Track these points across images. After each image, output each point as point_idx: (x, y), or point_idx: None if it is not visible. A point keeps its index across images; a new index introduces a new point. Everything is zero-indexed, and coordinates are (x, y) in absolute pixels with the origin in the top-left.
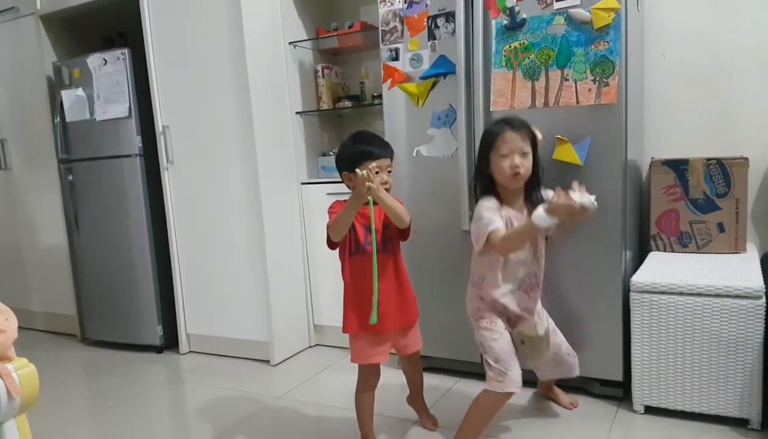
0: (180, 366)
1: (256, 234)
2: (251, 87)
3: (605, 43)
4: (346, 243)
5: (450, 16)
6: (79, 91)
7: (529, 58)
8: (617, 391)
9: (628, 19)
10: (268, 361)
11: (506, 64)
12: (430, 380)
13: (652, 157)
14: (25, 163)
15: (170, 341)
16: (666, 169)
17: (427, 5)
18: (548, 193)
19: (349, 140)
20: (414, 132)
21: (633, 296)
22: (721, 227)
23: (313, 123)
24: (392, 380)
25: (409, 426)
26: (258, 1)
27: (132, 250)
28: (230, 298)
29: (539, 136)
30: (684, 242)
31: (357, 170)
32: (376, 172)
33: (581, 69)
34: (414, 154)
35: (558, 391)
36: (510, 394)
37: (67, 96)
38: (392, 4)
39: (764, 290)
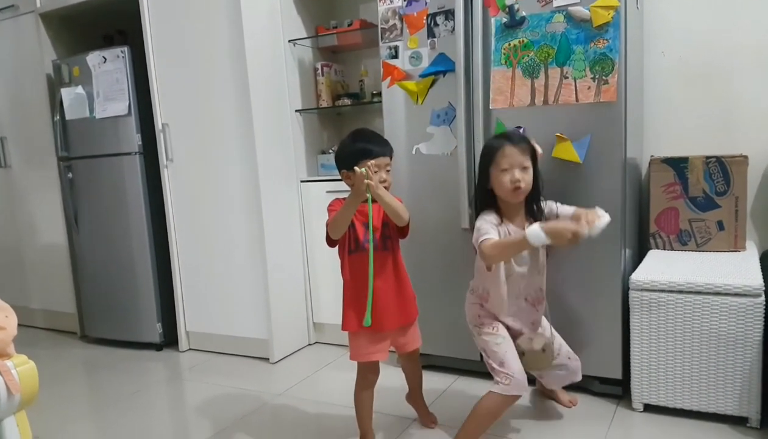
0: (179, 364)
1: (255, 232)
2: (251, 85)
3: (605, 41)
4: (345, 241)
5: (449, 14)
6: (79, 89)
7: (528, 56)
8: (616, 389)
9: (627, 17)
10: (268, 358)
11: (506, 62)
12: (429, 377)
13: (652, 155)
14: (24, 161)
15: (170, 339)
16: (665, 167)
17: (426, 3)
18: (551, 205)
19: (349, 138)
20: (413, 130)
21: (632, 294)
22: (720, 225)
23: (313, 121)
24: (391, 377)
25: (408, 424)
26: None
27: (131, 247)
28: (230, 295)
29: (539, 150)
30: (683, 240)
31: (356, 168)
32: (375, 171)
33: (581, 67)
34: (413, 152)
35: (557, 389)
36: (516, 397)
37: (67, 94)
38: (392, 2)
39: (763, 288)
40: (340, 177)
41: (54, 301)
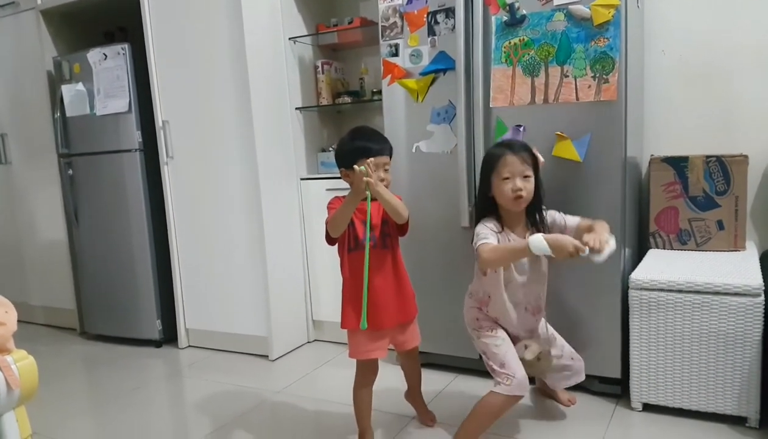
0: (179, 361)
1: (255, 229)
2: (251, 82)
3: (605, 40)
4: (345, 239)
5: (450, 12)
6: (80, 86)
7: (528, 54)
8: (615, 388)
9: (628, 16)
10: (267, 356)
11: (506, 60)
12: (428, 375)
13: (652, 155)
14: (25, 157)
15: (169, 336)
16: (665, 167)
17: (427, 1)
18: (553, 215)
19: (348, 136)
20: (413, 128)
21: (632, 293)
22: (720, 225)
23: (313, 119)
24: (390, 375)
25: (407, 422)
26: None
27: (131, 244)
28: (229, 292)
29: (541, 159)
30: (683, 240)
31: (355, 167)
32: (374, 170)
33: (581, 65)
34: (413, 150)
35: None
36: (518, 397)
37: (68, 91)
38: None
39: (763, 288)
40: (339, 175)
41: (54, 297)
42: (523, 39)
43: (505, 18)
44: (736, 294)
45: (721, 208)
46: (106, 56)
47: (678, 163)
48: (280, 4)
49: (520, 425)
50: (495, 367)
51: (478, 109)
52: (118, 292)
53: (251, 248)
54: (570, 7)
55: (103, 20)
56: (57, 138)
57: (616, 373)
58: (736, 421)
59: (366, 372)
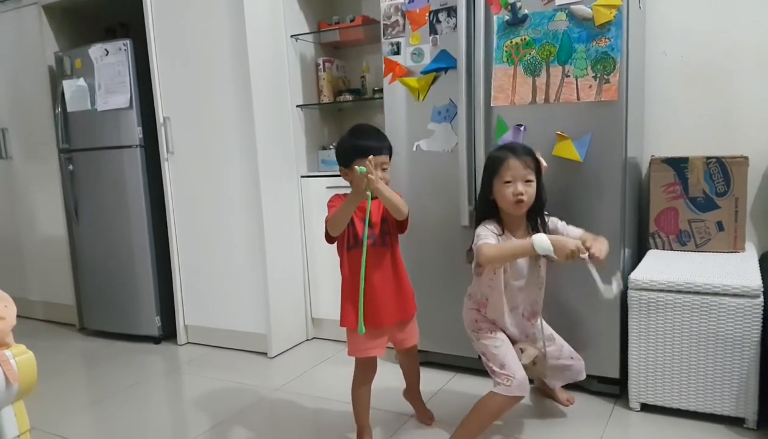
0: (178, 357)
1: (255, 227)
2: (252, 79)
3: (606, 40)
4: (344, 237)
5: (452, 11)
6: (81, 82)
7: (530, 54)
8: (614, 388)
9: (629, 17)
10: (266, 353)
11: (507, 59)
12: (427, 374)
13: (652, 155)
14: (25, 152)
15: (168, 332)
16: (666, 167)
17: (428, 0)
18: (555, 222)
19: (347, 134)
20: (414, 126)
21: (631, 293)
22: (720, 226)
23: (314, 116)
24: (389, 373)
25: (405, 420)
26: None
27: (131, 240)
28: (228, 290)
29: (543, 163)
30: (683, 241)
31: (356, 167)
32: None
33: (582, 65)
34: (414, 149)
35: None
36: (518, 398)
37: (69, 86)
38: None
39: (762, 289)
40: (339, 173)
41: (53, 293)
42: (525, 38)
43: (506, 17)
44: (735, 295)
45: (720, 210)
46: (107, 52)
47: (678, 164)
48: (282, 1)
49: (518, 425)
50: (495, 368)
51: (479, 108)
52: (118, 288)
53: (251, 245)
54: (571, 7)
55: (105, 16)
56: (57, 133)
57: (615, 373)
58: (733, 422)
59: (365, 370)
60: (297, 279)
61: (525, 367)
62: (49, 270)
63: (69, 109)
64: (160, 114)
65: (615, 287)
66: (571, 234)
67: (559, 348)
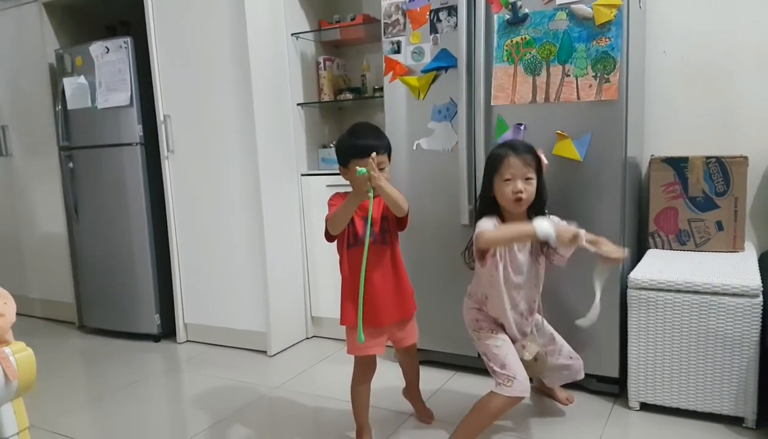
0: (177, 355)
1: (255, 225)
2: (253, 78)
3: (607, 40)
4: (344, 235)
5: (452, 10)
6: (81, 79)
7: (530, 53)
8: (613, 387)
9: (629, 16)
10: (266, 351)
11: (507, 58)
12: (426, 373)
13: (652, 155)
14: (25, 150)
15: (168, 330)
16: (665, 167)
17: None
18: (554, 220)
19: (345, 134)
20: (414, 125)
21: (630, 292)
22: (719, 226)
23: (314, 115)
24: (389, 372)
25: (405, 419)
26: None
27: (131, 238)
28: (228, 288)
29: (545, 161)
30: (682, 240)
31: (357, 167)
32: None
33: (582, 65)
34: (414, 148)
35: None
36: (519, 398)
37: (69, 84)
38: None
39: (761, 289)
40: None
41: (52, 291)
42: (525, 38)
43: (507, 16)
44: (734, 295)
45: (720, 209)
46: (108, 50)
47: (678, 164)
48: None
49: (518, 424)
50: (496, 368)
51: (479, 107)
52: (117, 286)
53: (251, 244)
54: (572, 6)
55: (106, 14)
56: (58, 131)
57: (614, 372)
58: (733, 421)
59: (364, 369)
60: (297, 277)
61: (527, 364)
62: (49, 268)
63: (69, 106)
64: (161, 112)
65: (593, 315)
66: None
67: (558, 348)
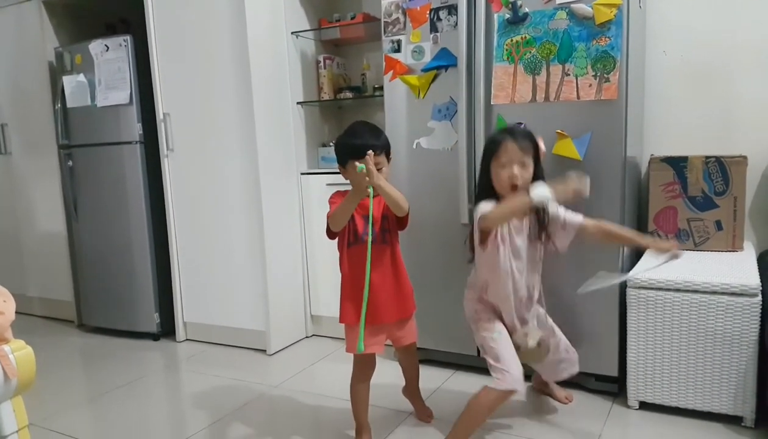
0: (176, 354)
1: (254, 224)
2: (252, 76)
3: (607, 39)
4: (344, 234)
5: (452, 9)
6: (81, 77)
7: (530, 52)
8: (612, 386)
9: (629, 16)
10: (265, 350)
11: (507, 58)
12: (426, 372)
13: (652, 154)
14: (25, 148)
15: (167, 329)
16: (665, 167)
17: None
18: (553, 206)
19: (343, 133)
20: (414, 124)
21: (630, 291)
22: (718, 225)
23: (314, 113)
24: (388, 370)
25: (404, 417)
26: None
27: (130, 237)
28: (228, 287)
29: (542, 148)
30: (682, 239)
31: (356, 164)
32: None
33: (582, 64)
34: (414, 147)
35: (553, 385)
36: (511, 392)
37: (69, 82)
38: None
39: (760, 288)
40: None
41: (52, 289)
42: (525, 37)
43: (507, 16)
44: (733, 294)
45: (719, 209)
46: (107, 48)
47: (677, 164)
48: None
49: (516, 423)
50: (491, 361)
51: (479, 106)
52: (117, 284)
53: (250, 242)
54: (572, 5)
55: (105, 12)
56: (57, 129)
57: (614, 371)
58: (731, 420)
59: (363, 367)
60: (296, 276)
61: (530, 351)
62: (48, 266)
63: (69, 104)
64: (160, 110)
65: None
66: (569, 220)
67: (557, 342)
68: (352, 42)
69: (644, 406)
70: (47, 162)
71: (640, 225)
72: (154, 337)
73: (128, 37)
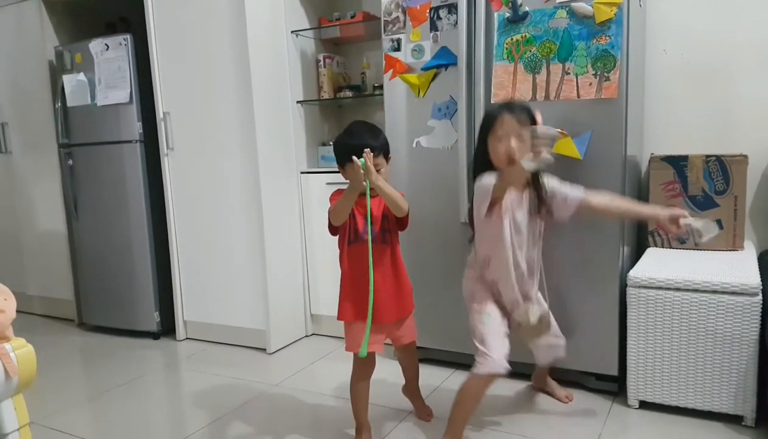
0: (176, 353)
1: (254, 223)
2: (252, 75)
3: (607, 38)
4: (345, 231)
5: (452, 8)
6: (81, 76)
7: (530, 51)
8: (612, 386)
9: (630, 15)
10: (265, 349)
11: (507, 56)
12: (426, 371)
13: (652, 153)
14: (25, 147)
15: (167, 328)
16: (665, 166)
17: None
18: (553, 183)
19: (342, 134)
20: (414, 123)
21: (630, 291)
22: (719, 224)
23: (314, 112)
24: (388, 369)
25: (404, 416)
26: None
27: (130, 235)
28: (228, 285)
29: (539, 119)
30: (682, 239)
31: (354, 158)
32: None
33: (582, 63)
34: (414, 146)
35: (553, 384)
36: (492, 377)
37: (69, 81)
38: None
39: (760, 287)
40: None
41: (52, 288)
42: (525, 36)
43: (507, 14)
44: (733, 293)
45: (720, 208)
46: (107, 47)
47: (678, 163)
48: None
49: (517, 422)
50: (476, 343)
51: (479, 105)
52: (117, 283)
53: (250, 241)
54: (572, 4)
55: (105, 11)
56: (57, 128)
57: (614, 370)
58: (732, 419)
59: (363, 366)
60: (296, 275)
61: (532, 327)
62: (49, 265)
63: (69, 103)
64: (160, 109)
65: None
66: (570, 196)
67: (552, 325)
68: (352, 41)
69: (644, 405)
70: (47, 161)
71: (640, 224)
72: (154, 336)
73: (128, 36)
